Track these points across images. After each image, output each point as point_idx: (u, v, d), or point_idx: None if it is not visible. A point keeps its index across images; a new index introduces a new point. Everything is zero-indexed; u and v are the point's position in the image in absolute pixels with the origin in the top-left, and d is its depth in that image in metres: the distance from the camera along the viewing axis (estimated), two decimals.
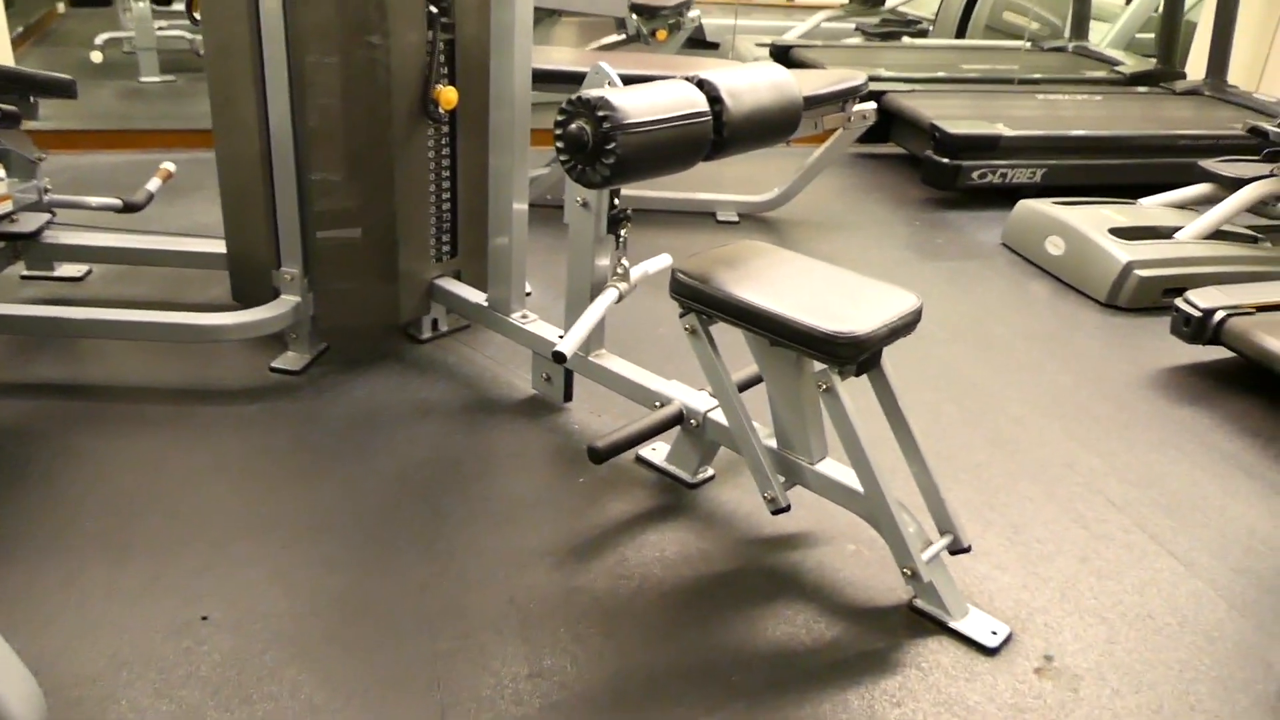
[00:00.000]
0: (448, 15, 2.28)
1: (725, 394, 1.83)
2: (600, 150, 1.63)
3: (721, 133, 1.79)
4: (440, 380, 2.39)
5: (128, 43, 4.82)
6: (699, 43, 5.95)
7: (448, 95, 2.28)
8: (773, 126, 1.92)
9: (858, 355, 1.62)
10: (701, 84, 1.80)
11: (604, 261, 2.11)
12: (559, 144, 1.67)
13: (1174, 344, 2.73)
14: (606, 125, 1.61)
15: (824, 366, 1.63)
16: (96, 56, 4.78)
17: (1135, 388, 2.61)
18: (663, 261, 2.23)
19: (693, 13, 4.92)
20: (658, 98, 1.70)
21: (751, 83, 1.87)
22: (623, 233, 2.05)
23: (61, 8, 5.78)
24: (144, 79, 4.65)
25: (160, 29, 4.74)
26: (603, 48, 4.83)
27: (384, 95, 2.23)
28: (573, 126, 1.65)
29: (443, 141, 2.42)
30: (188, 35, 4.81)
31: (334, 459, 2.04)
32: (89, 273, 2.79)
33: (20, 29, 5.11)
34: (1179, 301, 2.67)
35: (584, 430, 2.22)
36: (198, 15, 2.30)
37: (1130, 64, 5.29)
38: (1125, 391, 2.58)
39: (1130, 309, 3.06)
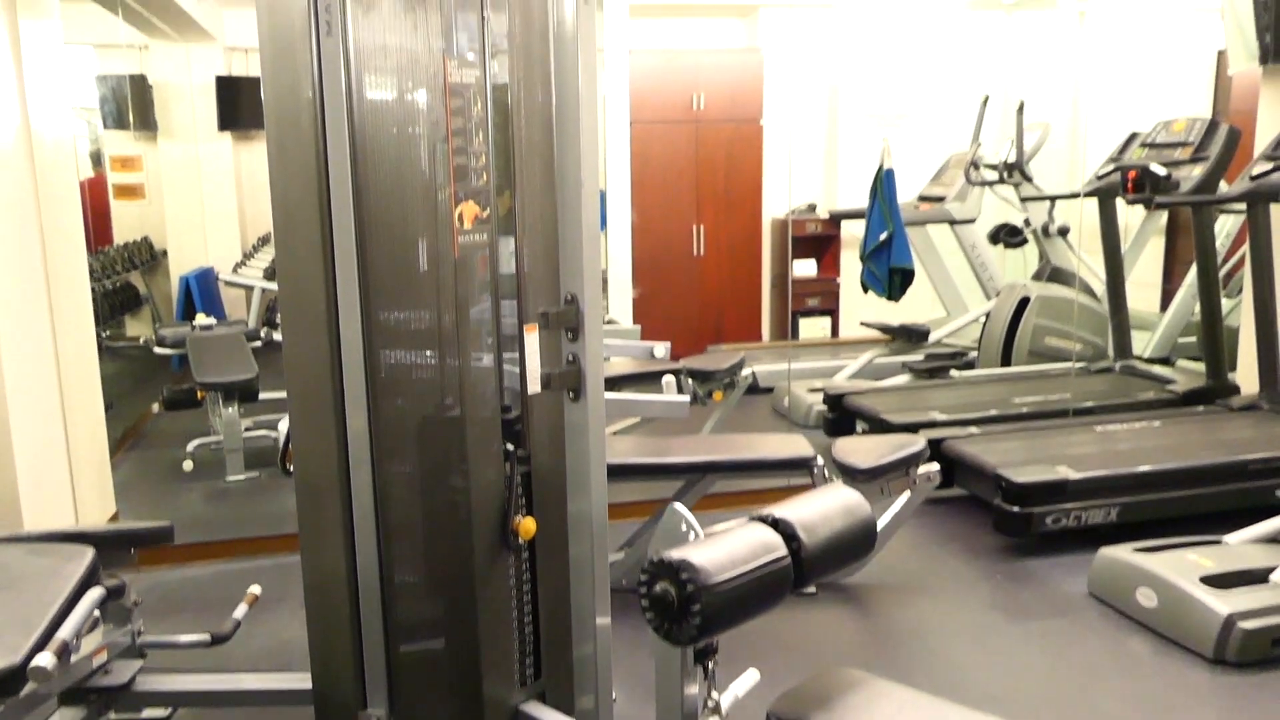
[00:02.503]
0: (523, 448, 2.41)
1: None
2: (686, 610, 1.65)
3: (801, 569, 1.82)
4: None
5: (215, 443, 5.12)
6: (753, 388, 6.16)
7: (526, 526, 2.36)
8: (849, 553, 1.95)
9: None
10: (776, 523, 1.85)
11: (692, 690, 2.08)
12: (644, 604, 1.70)
13: None
14: (690, 587, 1.65)
15: None
16: (188, 465, 5.06)
17: None
18: (750, 679, 2.19)
19: (745, 370, 5.14)
20: (736, 548, 1.75)
21: (824, 512, 1.92)
22: (711, 664, 2.04)
23: (155, 407, 6.19)
24: (230, 478, 4.89)
25: (247, 430, 5.04)
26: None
27: (465, 531, 2.32)
28: (657, 589, 1.68)
29: (523, 567, 2.48)
30: (272, 434, 5.10)
31: None
32: (173, 712, 2.80)
33: (120, 433, 5.47)
34: None
35: None
36: (290, 465, 2.45)
37: (1180, 380, 5.37)
38: None
39: (1241, 664, 2.92)
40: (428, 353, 2.22)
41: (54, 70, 3.87)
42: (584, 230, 2.02)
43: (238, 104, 7.73)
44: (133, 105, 7.34)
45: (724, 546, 1.74)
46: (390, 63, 2.07)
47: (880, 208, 5.53)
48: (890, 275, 5.52)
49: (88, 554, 2.28)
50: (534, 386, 2.22)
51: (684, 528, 1.94)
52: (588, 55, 1.99)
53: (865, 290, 5.88)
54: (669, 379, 4.29)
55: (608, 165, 7.04)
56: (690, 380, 4.88)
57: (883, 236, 5.50)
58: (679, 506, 1.97)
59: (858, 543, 1.97)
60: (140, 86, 7.40)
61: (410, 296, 2.15)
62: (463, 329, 2.20)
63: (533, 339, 2.20)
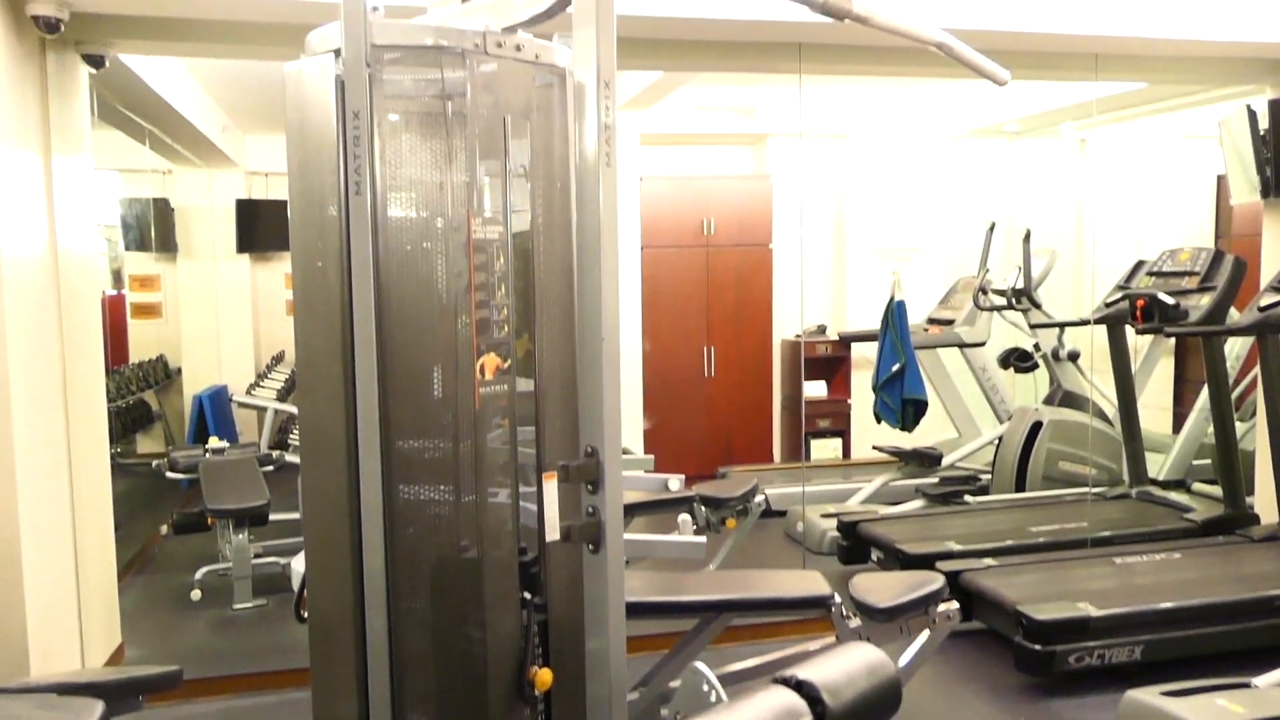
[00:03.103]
0: (540, 595, 2.38)
1: None
2: None
3: None
4: None
5: (224, 569, 5.07)
6: (766, 512, 6.11)
7: (543, 678, 2.31)
8: (874, 715, 1.91)
9: None
10: (799, 685, 1.82)
11: None
12: None
13: None
14: None
15: None
16: (195, 594, 5.01)
17: None
18: None
19: (758, 497, 5.10)
20: (760, 714, 1.72)
21: (848, 673, 1.89)
22: None
23: (164, 529, 6.16)
24: (237, 606, 4.83)
25: (256, 556, 5.01)
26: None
27: (480, 680, 2.28)
28: None
29: (538, 714, 2.43)
30: (281, 561, 5.05)
31: None
32: None
33: (128, 557, 5.42)
34: None
35: None
36: (304, 613, 2.43)
37: (1199, 508, 5.32)
38: None
39: None
40: (447, 500, 2.22)
41: (83, 198, 3.97)
42: (604, 383, 2.04)
43: (256, 226, 7.90)
44: (155, 227, 7.50)
45: (747, 715, 1.70)
46: (417, 220, 2.12)
47: (892, 339, 5.57)
48: (904, 406, 5.53)
49: (96, 708, 2.25)
50: (552, 535, 2.20)
51: (705, 687, 1.91)
52: (609, 215, 2.04)
53: (879, 421, 5.88)
54: (684, 517, 4.26)
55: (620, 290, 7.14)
56: (704, 507, 4.85)
57: (895, 368, 5.53)
58: (701, 667, 1.94)
59: (884, 703, 1.92)
60: (163, 210, 7.58)
61: (431, 455, 2.16)
62: (482, 476, 2.21)
63: (551, 488, 2.20)
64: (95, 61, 4.01)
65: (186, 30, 3.77)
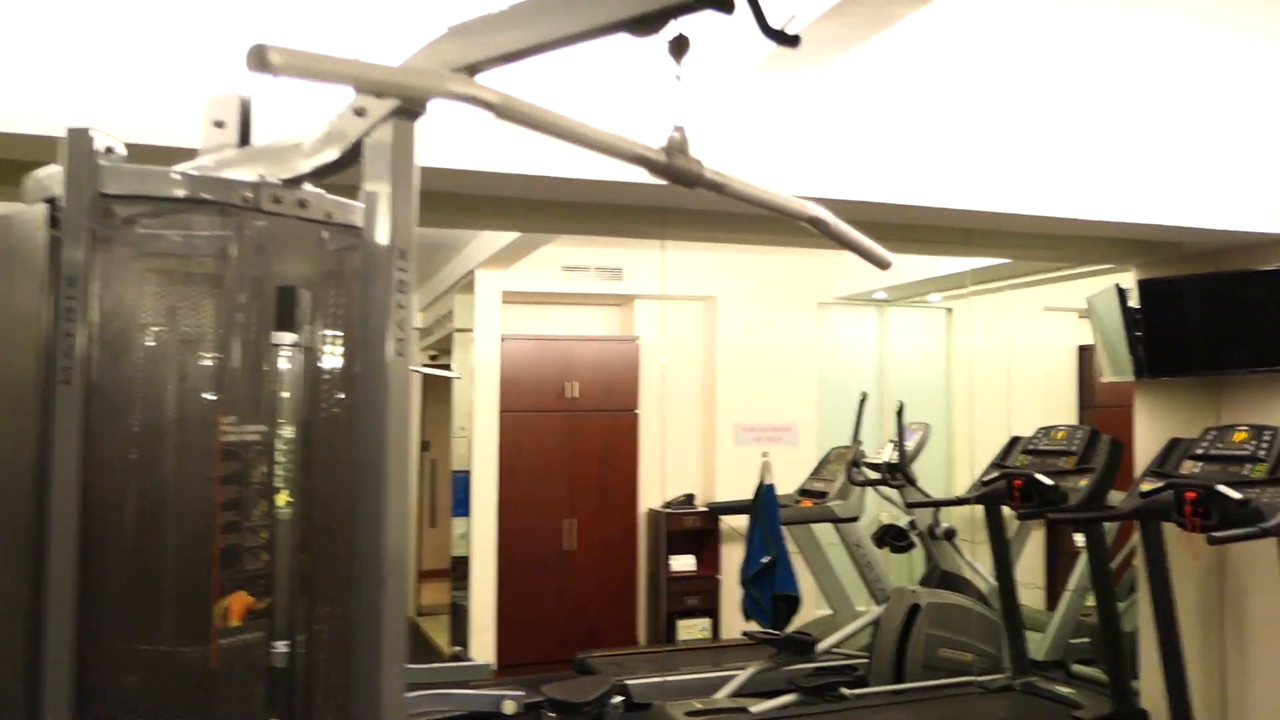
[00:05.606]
0: None
1: None
2: None
3: None
4: None
5: None
6: (630, 705, 5.56)
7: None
8: None
9: None
10: None
11: None
12: None
13: None
14: None
15: None
16: None
17: None
18: None
19: (615, 699, 4.57)
20: None
21: None
22: None
23: None
24: None
25: None
26: None
27: None
28: None
29: None
30: None
31: None
32: None
33: None
34: None
35: None
36: None
37: (1086, 704, 4.99)
38: None
39: None
40: None
41: None
42: (384, 653, 1.51)
43: None
44: None
45: None
46: (144, 419, 1.62)
47: (761, 529, 5.18)
48: (775, 603, 5.10)
49: None
50: None
51: None
52: (398, 420, 1.57)
53: (747, 618, 5.42)
54: None
55: (475, 454, 6.65)
56: (552, 716, 4.27)
57: (764, 560, 5.12)
58: None
59: None
60: None
61: None
62: None
63: None
64: None
65: None
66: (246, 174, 1.77)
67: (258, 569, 1.68)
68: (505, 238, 5.68)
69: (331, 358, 1.85)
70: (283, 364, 1.75)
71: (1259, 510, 3.71)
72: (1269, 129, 4.22)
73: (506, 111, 1.43)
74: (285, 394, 1.74)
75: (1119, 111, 4.06)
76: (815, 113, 3.71)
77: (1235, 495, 3.74)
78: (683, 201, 3.79)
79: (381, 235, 1.61)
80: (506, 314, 6.81)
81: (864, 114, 3.86)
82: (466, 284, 6.72)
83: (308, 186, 1.84)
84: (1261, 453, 3.97)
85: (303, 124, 1.82)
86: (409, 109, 1.58)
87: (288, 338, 1.78)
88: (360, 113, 1.62)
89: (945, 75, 3.65)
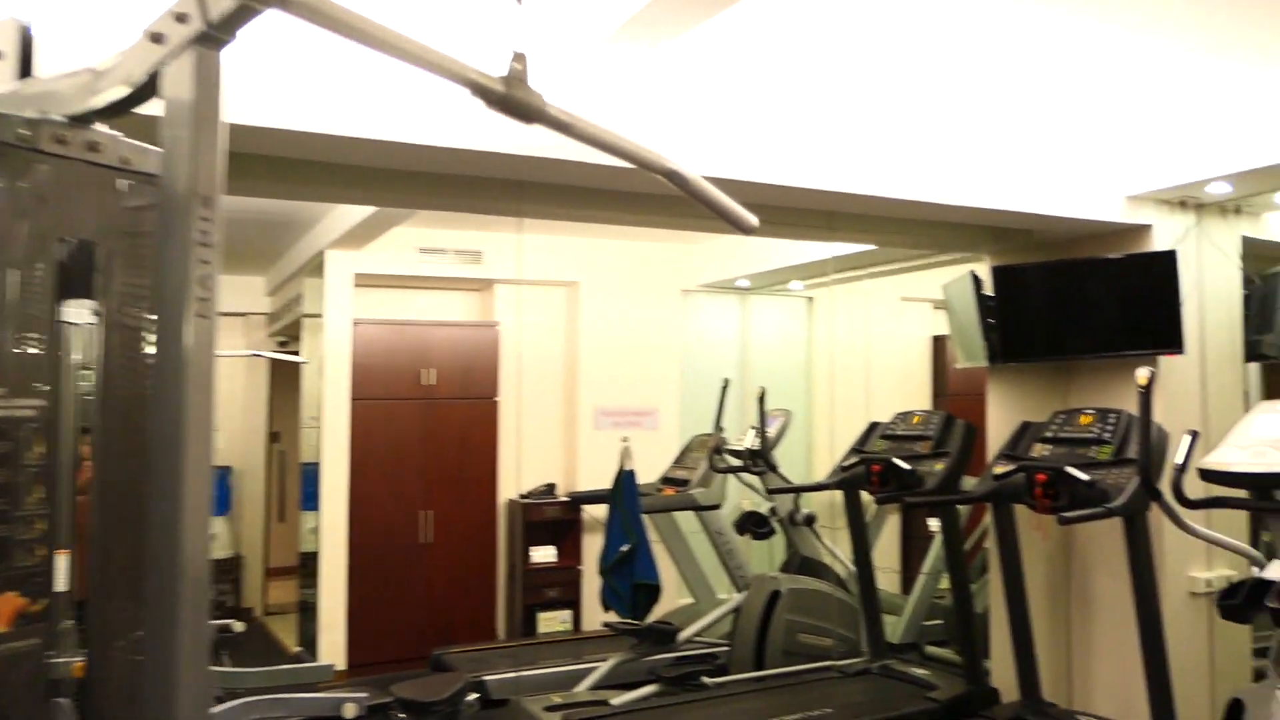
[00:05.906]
0: None
1: None
2: None
3: None
4: None
5: None
6: (486, 702, 5.38)
7: None
8: None
9: None
10: None
11: None
12: None
13: None
14: None
15: None
16: None
17: None
18: None
19: (470, 696, 4.38)
20: None
21: None
22: None
23: None
24: None
25: None
26: None
27: None
28: None
29: None
30: None
31: None
32: None
33: None
34: None
35: None
36: None
37: (940, 685, 5.06)
38: None
39: None
40: None
41: None
42: (181, 653, 1.31)
43: None
44: None
45: None
46: None
47: (621, 516, 5.06)
48: (634, 592, 4.99)
49: None
50: None
51: None
52: (199, 394, 1.37)
53: (606, 608, 5.30)
54: None
55: (325, 445, 6.34)
56: (402, 717, 4.05)
57: (624, 549, 5.00)
58: None
59: None
60: None
61: None
62: None
63: None
64: None
65: None
66: (25, 110, 1.53)
67: (32, 566, 1.45)
68: (356, 215, 5.39)
69: (131, 323, 1.63)
70: (69, 329, 1.52)
71: (1105, 491, 3.80)
72: (1117, 121, 4.33)
73: (303, 7, 1.23)
74: (72, 362, 1.52)
75: (977, 100, 4.09)
76: (674, 87, 3.61)
77: (1083, 477, 3.81)
78: (541, 175, 3.63)
79: (181, 180, 1.41)
80: (359, 298, 6.50)
81: (726, 91, 3.78)
82: (316, 266, 6.38)
83: (101, 127, 1.62)
84: (1107, 435, 4.06)
85: (95, 56, 1.59)
86: (213, 35, 1.37)
87: (76, 301, 1.56)
88: (157, 38, 1.41)
89: (811, 56, 3.58)
